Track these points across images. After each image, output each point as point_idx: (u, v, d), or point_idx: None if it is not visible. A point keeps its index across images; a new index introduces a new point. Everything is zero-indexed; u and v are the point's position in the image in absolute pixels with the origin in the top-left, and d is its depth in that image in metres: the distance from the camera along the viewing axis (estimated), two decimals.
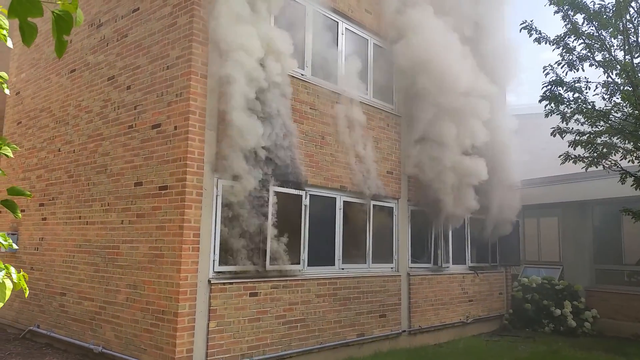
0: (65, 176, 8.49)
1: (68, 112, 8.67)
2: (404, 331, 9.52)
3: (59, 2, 1.74)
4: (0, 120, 10.78)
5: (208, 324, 6.43)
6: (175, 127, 6.59)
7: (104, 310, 7.23)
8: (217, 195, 6.72)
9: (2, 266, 1.80)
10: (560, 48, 7.17)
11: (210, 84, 6.68)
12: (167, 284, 6.35)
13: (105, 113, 7.83)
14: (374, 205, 9.11)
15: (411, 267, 9.89)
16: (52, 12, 1.72)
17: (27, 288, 1.94)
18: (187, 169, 6.38)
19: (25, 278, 1.93)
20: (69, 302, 7.92)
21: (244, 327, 6.82)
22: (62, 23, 1.71)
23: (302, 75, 8.00)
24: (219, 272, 6.68)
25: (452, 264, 10.91)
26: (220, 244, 6.74)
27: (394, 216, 9.67)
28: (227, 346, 6.61)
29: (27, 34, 1.77)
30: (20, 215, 1.96)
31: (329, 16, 8.60)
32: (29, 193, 2.04)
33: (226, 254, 6.82)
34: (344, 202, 8.57)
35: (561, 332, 11.59)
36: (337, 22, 8.78)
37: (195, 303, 6.34)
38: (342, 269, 8.47)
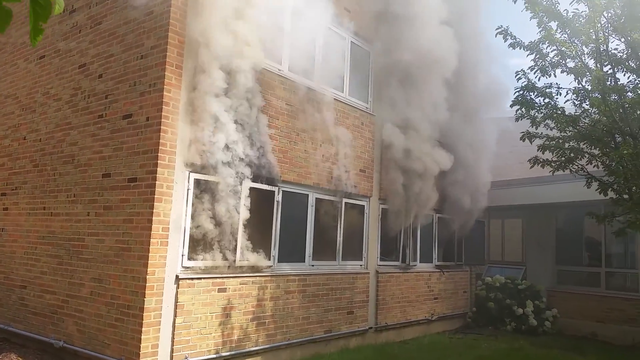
0: (30, 165, 8.19)
1: (35, 99, 8.36)
2: (371, 328, 9.60)
3: None
4: None
5: (174, 319, 6.34)
6: (148, 118, 6.43)
7: (67, 304, 7.03)
8: (188, 189, 6.61)
9: None
10: (534, 54, 7.30)
11: (184, 75, 6.55)
12: (133, 279, 6.22)
13: (75, 101, 7.58)
14: (345, 203, 9.13)
15: (380, 265, 9.97)
16: None
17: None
18: (159, 162, 6.24)
19: None
20: (30, 295, 7.67)
21: (211, 323, 6.75)
22: (40, 10, 1.60)
23: (279, 70, 7.93)
24: (187, 267, 6.58)
25: (420, 262, 11.05)
26: (190, 239, 6.63)
27: (365, 214, 9.71)
28: (194, 342, 6.53)
29: (1, 19, 1.66)
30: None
31: (309, 13, 8.53)
32: None
33: (196, 248, 6.72)
34: (316, 199, 8.56)
35: (522, 330, 11.88)
36: (317, 19, 8.71)
37: (162, 298, 6.23)
38: (312, 265, 8.47)
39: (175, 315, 6.35)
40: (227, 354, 6.95)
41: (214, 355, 6.78)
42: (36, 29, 1.63)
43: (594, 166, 7.97)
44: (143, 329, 6.02)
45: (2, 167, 8.76)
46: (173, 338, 6.32)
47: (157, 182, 6.22)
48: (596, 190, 7.61)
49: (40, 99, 8.27)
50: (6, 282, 8.17)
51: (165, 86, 6.33)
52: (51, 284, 7.35)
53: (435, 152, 10.31)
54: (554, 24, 6.97)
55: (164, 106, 6.30)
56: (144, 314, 6.04)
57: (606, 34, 7.01)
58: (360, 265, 9.55)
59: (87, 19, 7.57)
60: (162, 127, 6.27)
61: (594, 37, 6.72)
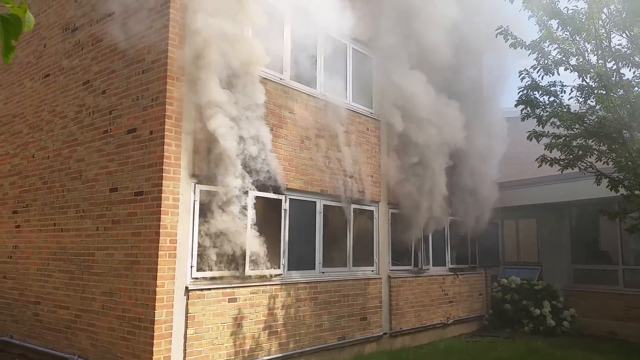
0: (39, 182, 8.32)
1: (42, 117, 8.50)
2: (385, 333, 9.53)
3: (8, 5, 1.67)
4: None
5: (186, 331, 6.35)
6: (151, 132, 6.49)
7: (80, 319, 7.09)
8: (194, 201, 6.65)
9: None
10: (536, 53, 7.23)
11: (186, 88, 6.61)
12: (143, 291, 6.26)
13: (80, 118, 7.69)
14: (354, 209, 9.10)
15: (392, 270, 9.91)
16: (0, 16, 1.65)
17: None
18: (164, 174, 6.29)
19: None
20: (44, 311, 7.76)
21: (222, 334, 6.76)
22: (10, 27, 1.64)
23: (280, 79, 7.97)
24: (196, 278, 6.60)
25: (432, 265, 10.97)
26: (198, 250, 6.66)
27: (374, 219, 9.68)
28: (206, 353, 6.54)
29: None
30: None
31: (308, 21, 8.57)
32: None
33: (204, 259, 6.74)
34: (324, 205, 8.55)
35: (540, 331, 11.72)
36: (316, 27, 8.75)
37: (173, 310, 6.25)
38: (323, 272, 8.44)
39: (186, 327, 6.36)
40: None
41: None
42: (8, 47, 1.67)
43: (603, 163, 7.86)
44: (154, 341, 6.04)
45: (13, 185, 8.91)
46: (185, 349, 6.33)
47: (162, 194, 6.27)
48: (606, 187, 7.51)
49: (46, 117, 8.41)
50: (21, 299, 8.27)
51: (167, 99, 6.38)
52: (64, 299, 7.43)
53: (444, 152, 10.25)
54: (554, 22, 6.91)
55: (166, 119, 6.35)
56: (155, 326, 6.06)
57: (608, 30, 6.92)
58: (372, 271, 9.51)
59: (89, 36, 7.69)
60: (165, 140, 6.32)
61: (595, 33, 6.63)
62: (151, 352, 6.02)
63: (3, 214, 9.04)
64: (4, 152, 9.29)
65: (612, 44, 7.16)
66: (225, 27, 6.52)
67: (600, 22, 6.63)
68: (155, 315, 6.07)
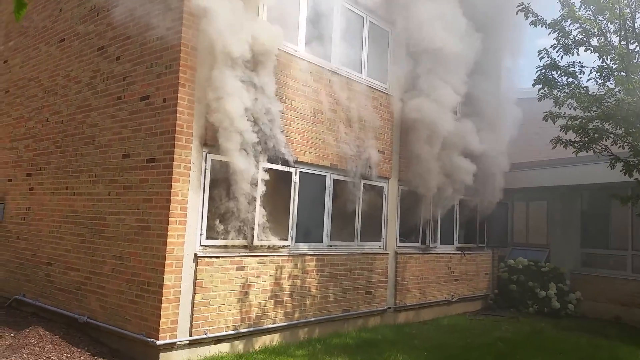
0: (53, 146, 8.40)
1: (57, 82, 8.53)
2: (390, 308, 9.63)
3: None
4: None
5: (193, 296, 6.47)
6: (164, 100, 6.50)
7: (90, 281, 7.24)
8: (205, 170, 6.69)
9: None
10: (557, 32, 7.08)
11: (200, 56, 6.58)
12: (152, 256, 6.36)
13: (94, 84, 7.71)
14: (364, 184, 9.11)
15: (399, 246, 9.96)
16: None
17: None
18: (176, 142, 6.32)
19: None
20: (55, 272, 7.92)
21: (229, 301, 6.87)
22: None
23: (295, 51, 7.90)
24: (205, 245, 6.69)
25: (440, 243, 11.00)
26: (208, 218, 6.73)
27: (384, 195, 9.68)
28: (212, 318, 6.67)
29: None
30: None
31: None
32: None
33: (214, 228, 6.82)
34: (334, 180, 8.57)
35: (545, 313, 11.78)
36: None
37: (181, 276, 6.35)
38: (330, 246, 8.51)
39: (194, 292, 6.48)
40: (246, 330, 7.08)
41: (233, 332, 6.91)
42: (20, 4, 1.68)
43: (619, 147, 7.75)
44: (162, 305, 6.16)
45: (27, 149, 9.01)
46: (192, 314, 6.46)
47: (174, 162, 6.31)
48: (620, 171, 7.42)
49: (61, 81, 8.44)
50: (33, 259, 8.45)
51: (180, 67, 6.37)
52: (75, 262, 7.57)
53: (458, 129, 10.16)
54: (576, 0, 6.74)
55: (179, 87, 6.35)
56: (164, 291, 6.18)
57: (633, 10, 6.74)
58: (379, 246, 9.56)
59: (105, 1, 7.65)
60: (178, 108, 6.34)
61: (619, 13, 6.46)
62: (159, 316, 6.15)
63: (18, 176, 9.16)
64: (19, 115, 9.37)
65: (636, 25, 6.98)
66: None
67: (625, 1, 6.44)
68: (164, 280, 6.18)
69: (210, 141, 6.66)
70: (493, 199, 11.67)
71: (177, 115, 6.33)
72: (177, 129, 6.33)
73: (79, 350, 6.50)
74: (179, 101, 6.35)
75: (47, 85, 8.76)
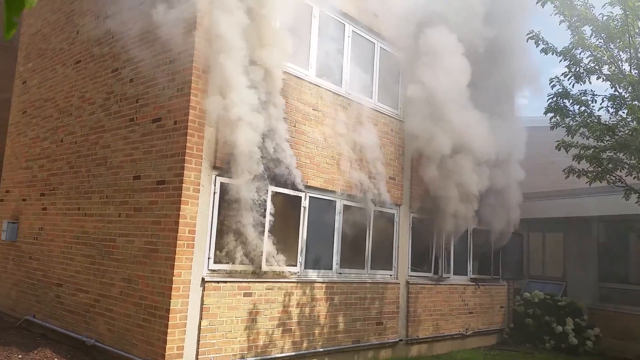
0: (66, 167, 8.50)
1: (72, 103, 8.70)
2: (401, 340, 9.40)
3: None
4: (7, 108, 10.83)
5: (200, 322, 6.38)
6: (175, 122, 6.56)
7: (98, 303, 7.20)
8: (214, 193, 6.69)
9: None
10: (567, 60, 7.04)
11: (212, 79, 6.65)
12: (160, 280, 6.31)
13: (108, 105, 7.84)
14: (374, 211, 9.01)
15: (411, 276, 9.77)
16: None
17: None
18: (185, 165, 6.34)
19: None
20: (65, 294, 7.91)
21: (236, 327, 6.76)
22: (13, 4, 1.66)
23: (305, 75, 7.96)
24: (213, 270, 6.63)
25: (453, 274, 10.78)
26: (216, 242, 6.69)
27: (395, 223, 9.57)
28: (219, 345, 6.55)
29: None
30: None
31: (336, 18, 8.56)
32: None
33: (222, 252, 6.77)
34: (344, 205, 8.50)
35: (562, 349, 11.40)
36: (344, 24, 8.73)
37: (188, 300, 6.28)
38: (340, 273, 8.38)
39: (200, 318, 6.39)
40: (253, 358, 6.93)
41: None
42: (9, 23, 1.69)
43: (633, 177, 7.59)
44: (169, 330, 6.08)
45: (42, 169, 9.13)
46: (199, 340, 6.35)
47: (183, 184, 6.32)
48: (635, 202, 7.25)
49: (76, 102, 8.60)
50: (44, 280, 8.46)
51: (192, 90, 6.44)
52: (84, 283, 7.56)
53: (470, 159, 10.06)
54: (587, 28, 6.71)
55: (190, 110, 6.41)
56: (170, 315, 6.10)
57: None
58: (390, 275, 9.40)
59: (119, 24, 7.82)
60: (188, 130, 6.38)
61: (630, 41, 6.41)
62: (165, 341, 6.06)
63: (32, 196, 9.27)
64: (35, 135, 9.54)
65: None
66: (250, 22, 6.54)
67: (637, 30, 6.40)
68: (171, 305, 6.11)
69: (220, 164, 6.68)
70: (508, 228, 11.46)
71: (188, 137, 6.37)
72: (187, 151, 6.36)
73: None
74: (189, 124, 6.40)
75: (62, 106, 8.93)
